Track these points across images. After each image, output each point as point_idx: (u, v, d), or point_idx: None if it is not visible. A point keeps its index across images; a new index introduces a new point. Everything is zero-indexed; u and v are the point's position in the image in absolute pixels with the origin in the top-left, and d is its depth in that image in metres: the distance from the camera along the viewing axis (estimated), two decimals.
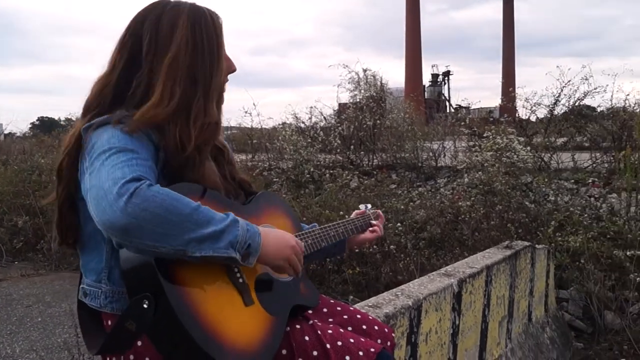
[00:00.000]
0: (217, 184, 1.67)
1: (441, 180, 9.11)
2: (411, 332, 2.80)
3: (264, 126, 13.14)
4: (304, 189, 9.48)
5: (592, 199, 7.88)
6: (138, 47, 1.62)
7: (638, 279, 5.73)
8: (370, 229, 2.26)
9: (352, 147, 10.35)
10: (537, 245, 5.07)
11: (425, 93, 53.64)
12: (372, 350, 1.71)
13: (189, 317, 1.39)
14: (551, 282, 5.45)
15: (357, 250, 7.26)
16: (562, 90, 10.13)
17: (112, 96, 1.62)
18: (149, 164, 1.47)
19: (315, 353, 1.66)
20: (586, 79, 10.01)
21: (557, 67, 9.84)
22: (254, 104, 15.55)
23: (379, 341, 1.92)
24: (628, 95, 10.29)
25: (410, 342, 2.79)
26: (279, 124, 12.16)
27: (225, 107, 1.76)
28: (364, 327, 1.94)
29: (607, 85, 10.20)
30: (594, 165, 9.42)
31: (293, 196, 8.73)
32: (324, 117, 11.32)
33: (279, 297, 1.67)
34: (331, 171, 9.29)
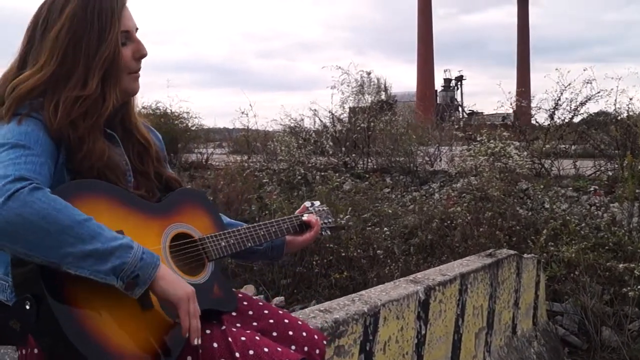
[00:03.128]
0: (113, 166, 1.60)
1: (435, 185, 8.98)
2: (365, 340, 2.69)
3: (267, 128, 13.19)
4: (297, 190, 9.40)
5: (593, 207, 7.73)
6: (34, 28, 1.63)
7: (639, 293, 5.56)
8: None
9: (345, 149, 10.24)
10: (524, 255, 4.94)
11: (438, 98, 53.45)
12: None
13: (70, 322, 1.32)
14: (541, 294, 5.30)
15: (343, 254, 7.20)
16: (561, 94, 9.97)
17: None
18: (42, 160, 1.42)
19: None
20: (589, 83, 9.84)
21: (556, 69, 9.58)
22: (250, 105, 15.67)
23: (305, 348, 1.82)
24: (631, 99, 9.93)
25: (364, 351, 2.68)
26: (280, 127, 12.10)
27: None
28: (290, 332, 1.84)
29: (612, 89, 9.92)
30: (597, 173, 9.24)
31: (284, 197, 8.65)
32: (319, 119, 11.25)
33: None
34: (322, 173, 9.20)
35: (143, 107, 13.24)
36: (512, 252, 4.65)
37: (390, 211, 7.11)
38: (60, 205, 1.31)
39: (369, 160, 10.40)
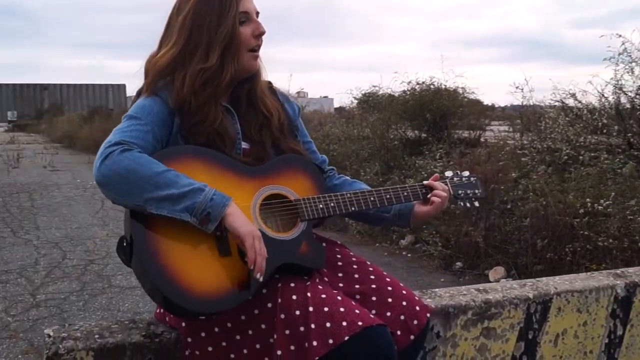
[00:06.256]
0: (223, 132, 1.87)
1: None
2: (528, 328, 2.56)
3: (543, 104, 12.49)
4: (568, 172, 8.82)
5: None
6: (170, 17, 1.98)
7: None
8: (433, 198, 2.11)
9: (626, 128, 9.18)
10: None
11: None
12: (360, 323, 1.66)
13: (149, 258, 1.62)
14: None
15: (600, 244, 6.62)
16: None
17: None
18: (147, 129, 1.78)
19: (297, 312, 1.70)
20: None
21: None
22: (525, 80, 14.73)
23: (402, 317, 1.87)
24: None
25: (525, 338, 2.56)
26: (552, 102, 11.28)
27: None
28: (389, 300, 1.90)
29: None
30: None
31: (550, 180, 8.19)
32: (601, 94, 10.20)
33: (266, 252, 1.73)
34: (592, 154, 8.46)
35: (417, 83, 13.46)
36: None
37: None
38: (144, 160, 1.66)
39: None
